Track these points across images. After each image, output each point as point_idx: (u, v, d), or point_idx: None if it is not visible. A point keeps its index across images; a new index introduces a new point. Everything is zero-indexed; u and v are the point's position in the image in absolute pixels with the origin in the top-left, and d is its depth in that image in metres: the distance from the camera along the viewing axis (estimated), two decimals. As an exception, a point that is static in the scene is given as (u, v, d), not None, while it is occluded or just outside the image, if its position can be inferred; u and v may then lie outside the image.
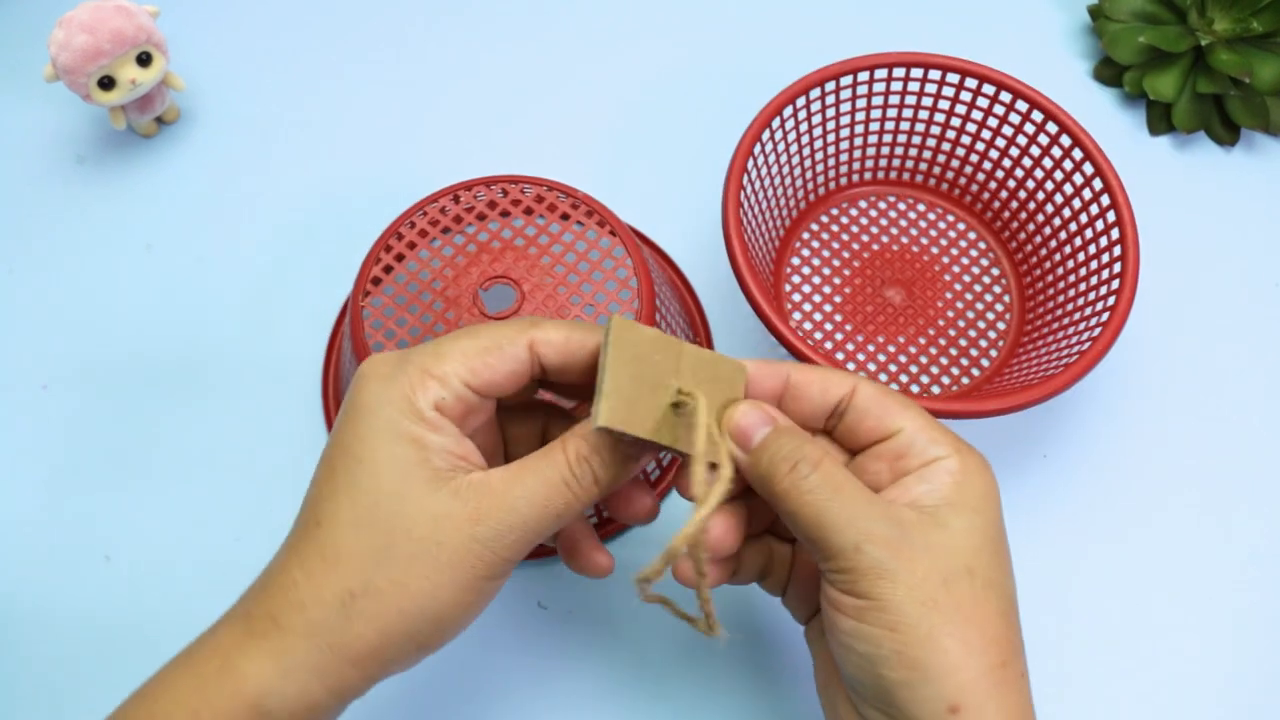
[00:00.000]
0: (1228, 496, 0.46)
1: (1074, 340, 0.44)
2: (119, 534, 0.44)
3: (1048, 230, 0.49)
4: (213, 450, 0.46)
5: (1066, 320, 0.46)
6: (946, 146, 0.51)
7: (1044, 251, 0.49)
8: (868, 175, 0.52)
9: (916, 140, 0.51)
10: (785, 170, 0.49)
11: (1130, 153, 0.54)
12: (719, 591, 0.44)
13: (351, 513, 0.29)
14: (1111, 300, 0.43)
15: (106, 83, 0.49)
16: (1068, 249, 0.47)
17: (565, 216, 0.42)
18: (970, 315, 0.49)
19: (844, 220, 0.52)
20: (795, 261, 0.50)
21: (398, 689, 0.41)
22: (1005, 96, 0.48)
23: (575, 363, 0.31)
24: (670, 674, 0.42)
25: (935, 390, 0.48)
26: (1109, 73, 0.57)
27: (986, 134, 0.50)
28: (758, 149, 0.45)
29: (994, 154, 0.50)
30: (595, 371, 0.30)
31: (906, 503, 0.30)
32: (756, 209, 0.47)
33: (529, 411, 0.35)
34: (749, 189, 0.45)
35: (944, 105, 0.50)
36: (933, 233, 0.52)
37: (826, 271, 0.50)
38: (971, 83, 0.48)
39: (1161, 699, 0.42)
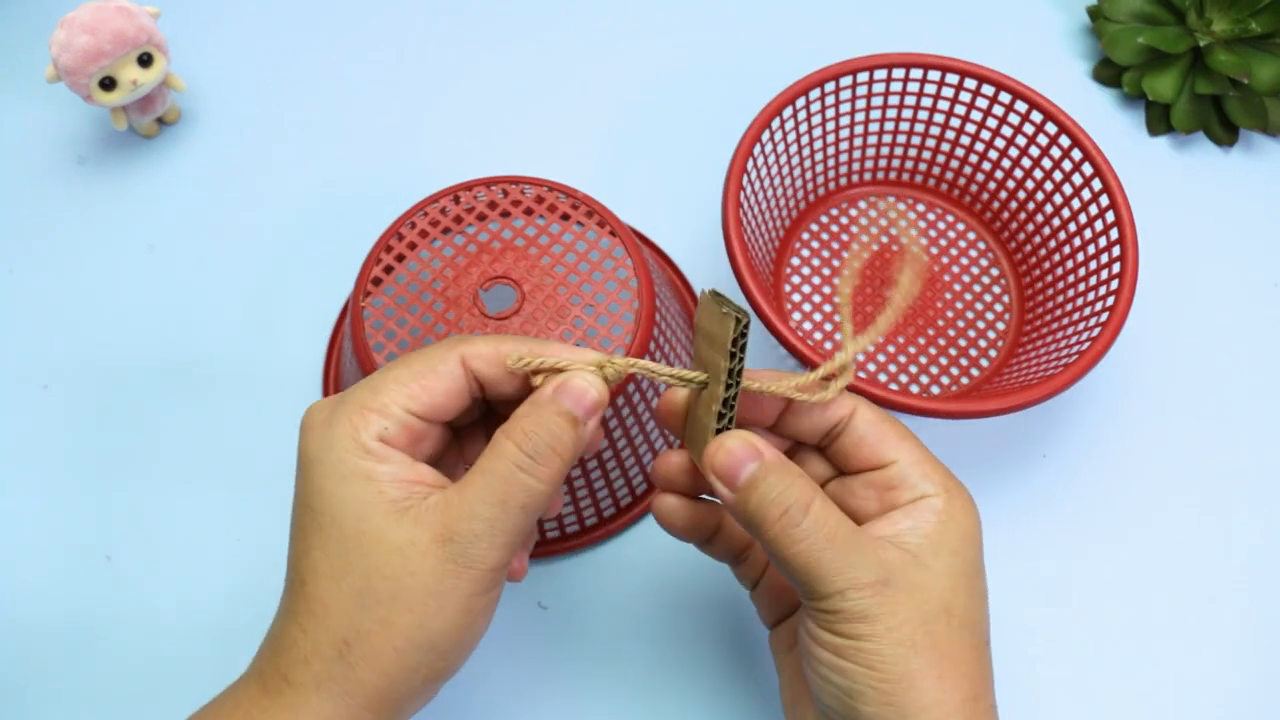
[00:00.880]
0: (1228, 496, 0.46)
1: (1073, 340, 0.44)
2: (119, 534, 0.44)
3: (1047, 231, 0.49)
4: (213, 450, 0.46)
5: (1066, 320, 0.46)
6: (946, 147, 0.51)
7: (1043, 252, 0.49)
8: (868, 175, 0.53)
9: (916, 141, 0.51)
10: (785, 170, 0.49)
11: (1129, 153, 0.54)
12: (712, 591, 0.44)
13: (327, 564, 0.29)
14: (1110, 300, 0.43)
15: (108, 83, 0.49)
16: (1067, 249, 0.48)
17: (565, 217, 0.42)
18: (970, 315, 0.50)
19: (844, 220, 0.52)
20: (795, 262, 0.50)
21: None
22: (1005, 97, 0.48)
23: (508, 377, 0.31)
24: (672, 673, 0.42)
25: (935, 390, 0.48)
26: (1108, 73, 0.57)
27: (986, 135, 0.50)
28: (758, 149, 0.45)
29: (993, 154, 0.50)
30: (528, 388, 0.31)
31: (890, 537, 0.31)
32: (756, 209, 0.47)
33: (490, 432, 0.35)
34: (749, 189, 0.45)
35: (944, 106, 0.50)
36: (932, 233, 0.52)
37: (826, 271, 0.50)
38: (971, 83, 0.48)
39: (1162, 699, 0.42)
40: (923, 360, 0.48)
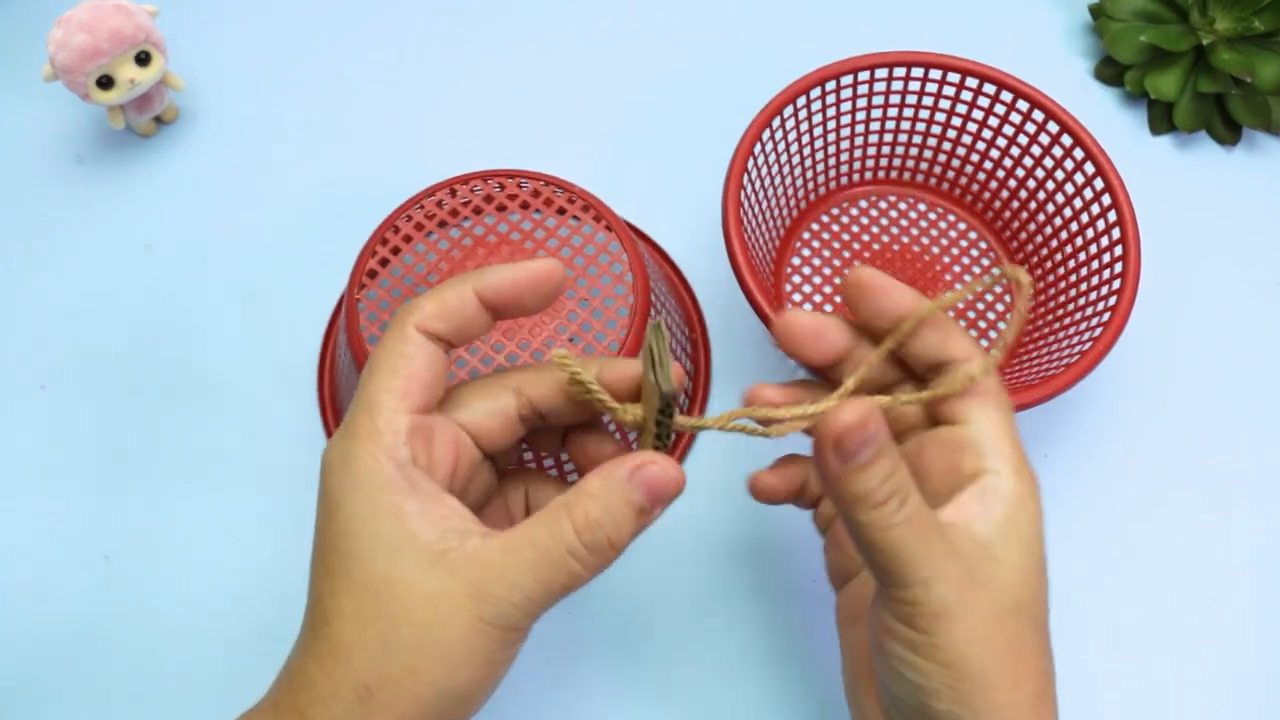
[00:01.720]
0: (1229, 496, 0.46)
1: (1075, 340, 0.44)
2: (118, 534, 0.44)
3: (1049, 230, 0.49)
4: (212, 450, 0.46)
5: (1068, 320, 0.46)
6: (947, 146, 0.51)
7: (1045, 251, 0.49)
8: (868, 175, 0.52)
9: (917, 140, 0.51)
10: (785, 170, 0.49)
11: (1131, 152, 0.54)
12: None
13: (353, 607, 0.28)
14: (1113, 300, 0.43)
15: (105, 82, 0.49)
16: (1069, 249, 0.47)
17: (561, 211, 0.42)
18: (971, 315, 0.49)
19: (844, 220, 0.52)
20: (795, 261, 0.50)
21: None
22: (1006, 96, 0.48)
23: (470, 316, 0.30)
24: (674, 672, 0.42)
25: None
26: (1110, 72, 0.57)
27: (987, 133, 0.50)
28: (758, 149, 0.45)
29: (994, 153, 0.50)
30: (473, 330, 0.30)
31: (961, 525, 0.30)
32: (756, 209, 0.47)
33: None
34: (749, 189, 0.45)
35: (944, 105, 0.50)
36: (934, 232, 0.51)
37: (827, 271, 0.50)
38: (972, 82, 0.48)
39: (1163, 698, 0.42)
40: None
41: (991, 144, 0.50)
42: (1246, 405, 0.48)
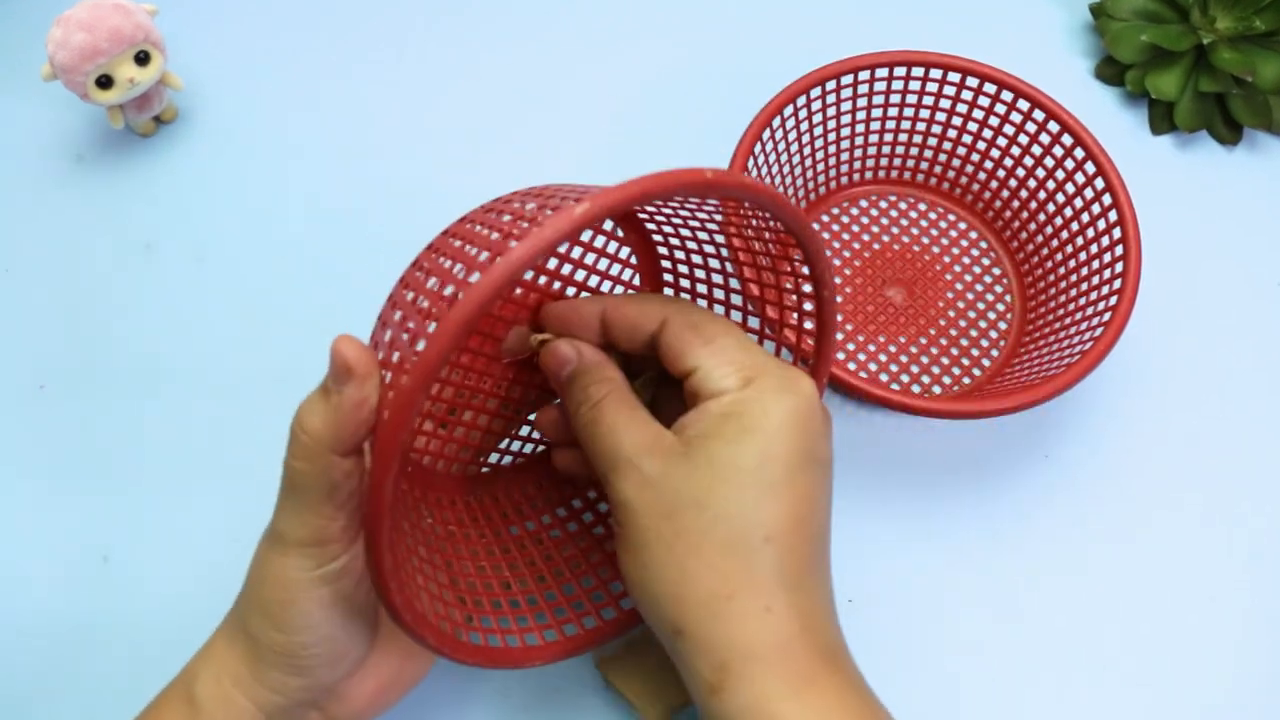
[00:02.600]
0: (1229, 496, 0.46)
1: (1076, 340, 0.43)
2: (117, 534, 0.44)
3: (1049, 230, 0.49)
4: (211, 450, 0.46)
5: (1068, 320, 0.45)
6: (947, 146, 0.51)
7: (1045, 251, 0.49)
8: (869, 175, 0.52)
9: (917, 140, 0.51)
10: (786, 169, 0.49)
11: (1132, 152, 0.54)
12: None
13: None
14: (1113, 300, 0.43)
15: (104, 81, 0.48)
16: (1069, 248, 0.47)
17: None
18: (972, 315, 0.49)
19: (844, 220, 0.52)
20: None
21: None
22: (1006, 95, 0.48)
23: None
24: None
25: (936, 390, 0.47)
26: (1111, 71, 0.57)
27: (987, 133, 0.50)
28: (758, 149, 0.45)
29: (995, 153, 0.50)
30: None
31: (677, 431, 0.31)
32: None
33: None
34: None
35: (945, 105, 0.50)
36: (934, 232, 0.51)
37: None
38: (972, 82, 0.48)
39: (1163, 698, 0.42)
40: (924, 360, 0.48)
41: (992, 144, 0.50)
42: (1247, 405, 0.48)
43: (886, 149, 0.51)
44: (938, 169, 0.52)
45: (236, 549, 0.44)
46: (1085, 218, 0.47)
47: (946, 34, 0.58)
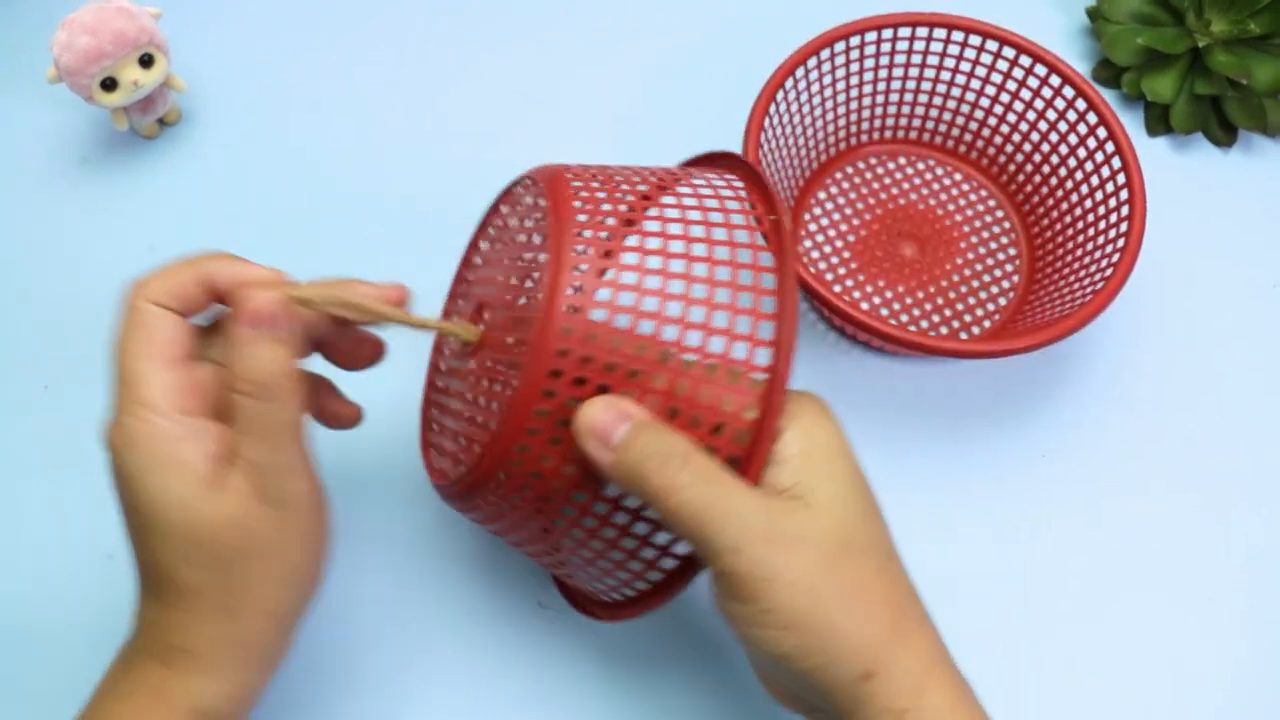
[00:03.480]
0: (1227, 496, 0.46)
1: (1083, 288, 0.45)
2: (121, 533, 0.44)
3: (1054, 181, 0.50)
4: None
5: (1079, 267, 0.47)
6: (951, 104, 0.53)
7: (1051, 201, 0.51)
8: (881, 134, 0.54)
9: (922, 99, 0.53)
10: (799, 129, 0.50)
11: (1129, 154, 0.54)
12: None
13: (183, 554, 0.31)
14: (1121, 243, 0.44)
15: (109, 84, 0.49)
16: (1074, 197, 0.49)
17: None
18: (979, 268, 0.51)
19: (856, 180, 0.54)
20: (805, 218, 0.52)
21: (397, 686, 0.41)
22: (1009, 52, 0.50)
23: (191, 296, 0.33)
24: (671, 672, 0.42)
25: (944, 332, 0.49)
26: (1107, 74, 0.57)
27: (991, 90, 0.52)
28: (773, 108, 0.47)
29: (1010, 116, 0.52)
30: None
31: (764, 480, 0.30)
32: (771, 167, 0.48)
33: None
34: (764, 147, 0.47)
35: (949, 64, 0.52)
36: (943, 195, 0.53)
37: (843, 227, 0.52)
38: (976, 40, 0.50)
39: (1162, 698, 0.42)
40: (935, 318, 0.50)
41: (995, 100, 0.52)
42: (1244, 405, 0.48)
43: (893, 109, 0.53)
44: (944, 127, 0.54)
45: (240, 548, 0.44)
46: (1089, 166, 0.48)
47: (945, 36, 0.58)
